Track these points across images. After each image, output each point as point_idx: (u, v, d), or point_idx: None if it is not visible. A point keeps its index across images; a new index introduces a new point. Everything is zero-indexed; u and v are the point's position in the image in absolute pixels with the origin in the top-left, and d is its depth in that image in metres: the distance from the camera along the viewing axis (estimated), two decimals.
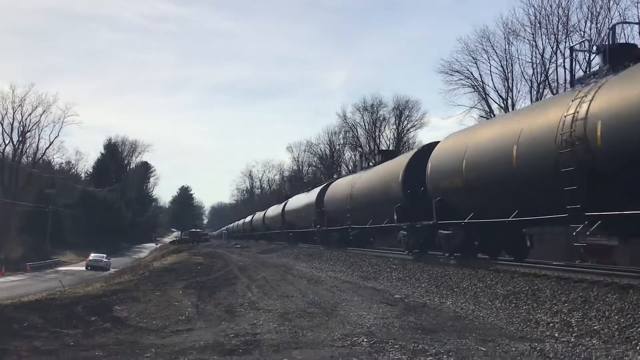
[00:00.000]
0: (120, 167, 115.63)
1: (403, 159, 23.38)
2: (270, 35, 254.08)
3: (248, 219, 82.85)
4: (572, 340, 7.71)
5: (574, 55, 15.62)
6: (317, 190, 38.99)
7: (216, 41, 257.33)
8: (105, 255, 60.39)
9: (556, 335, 8.12)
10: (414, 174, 20.57)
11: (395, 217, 21.51)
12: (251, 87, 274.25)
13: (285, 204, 51.10)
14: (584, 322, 8.54)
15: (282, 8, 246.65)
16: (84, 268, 56.08)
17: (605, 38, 34.22)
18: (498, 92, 42.65)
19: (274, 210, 59.00)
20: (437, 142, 20.06)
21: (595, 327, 8.21)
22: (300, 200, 44.74)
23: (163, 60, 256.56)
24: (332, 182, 37.43)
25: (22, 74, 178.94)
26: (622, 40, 31.54)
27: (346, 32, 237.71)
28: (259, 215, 69.98)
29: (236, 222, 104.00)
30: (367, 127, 70.61)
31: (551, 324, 8.74)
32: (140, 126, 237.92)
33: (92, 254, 59.94)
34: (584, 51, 15.56)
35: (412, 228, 20.43)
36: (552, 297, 10.22)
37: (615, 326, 8.03)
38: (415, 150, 24.60)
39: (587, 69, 14.15)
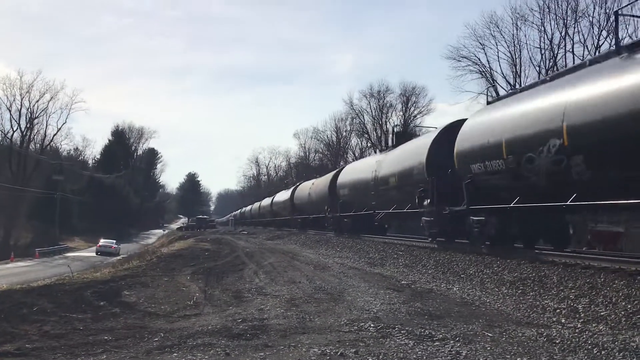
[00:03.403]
0: (127, 153, 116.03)
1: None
2: (276, 20, 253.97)
3: (255, 205, 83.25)
4: (579, 326, 7.72)
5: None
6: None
7: (221, 26, 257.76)
8: (115, 240, 60.82)
9: (563, 321, 8.13)
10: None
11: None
12: (257, 73, 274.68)
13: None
14: (590, 308, 8.54)
15: None
16: (92, 254, 56.56)
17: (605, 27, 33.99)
18: (506, 78, 42.59)
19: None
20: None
21: (602, 313, 8.21)
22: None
23: (168, 46, 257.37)
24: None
25: (28, 60, 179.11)
26: (631, 27, 31.26)
27: (352, 18, 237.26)
28: (266, 201, 70.56)
29: (243, 209, 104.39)
30: (373, 114, 70.42)
31: (558, 310, 8.75)
32: (147, 112, 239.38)
33: (102, 240, 60.45)
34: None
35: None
36: (559, 284, 10.22)
37: (622, 312, 8.03)
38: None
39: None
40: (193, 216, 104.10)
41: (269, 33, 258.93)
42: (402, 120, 67.80)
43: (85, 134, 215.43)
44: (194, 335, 7.37)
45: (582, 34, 37.20)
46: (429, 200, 18.16)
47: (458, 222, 16.69)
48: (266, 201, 67.87)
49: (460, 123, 17.59)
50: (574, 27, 37.50)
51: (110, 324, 8.38)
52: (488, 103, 17.38)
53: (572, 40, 37.72)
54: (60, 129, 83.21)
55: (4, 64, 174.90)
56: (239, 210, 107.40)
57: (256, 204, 78.94)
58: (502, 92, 42.30)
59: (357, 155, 69.12)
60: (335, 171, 36.18)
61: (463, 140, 16.02)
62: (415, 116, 68.28)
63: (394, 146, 25.30)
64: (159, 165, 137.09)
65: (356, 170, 29.40)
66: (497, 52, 43.03)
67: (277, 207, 56.79)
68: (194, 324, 8.24)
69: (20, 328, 7.98)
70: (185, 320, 8.62)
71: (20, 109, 77.07)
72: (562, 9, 38.12)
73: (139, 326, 8.18)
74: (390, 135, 25.04)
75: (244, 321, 8.19)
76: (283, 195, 54.75)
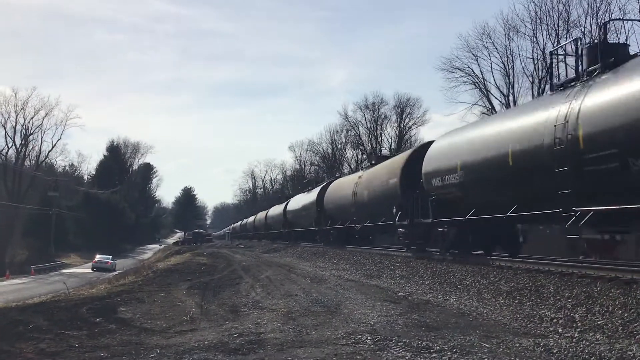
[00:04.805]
0: (123, 168, 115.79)
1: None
2: (269, 34, 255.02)
3: (251, 219, 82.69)
4: (576, 335, 7.72)
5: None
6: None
7: (215, 41, 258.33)
8: (110, 256, 60.55)
9: (560, 330, 8.13)
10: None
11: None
12: (252, 86, 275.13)
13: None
14: (587, 317, 8.54)
15: (281, 7, 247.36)
16: (88, 270, 56.23)
17: (597, 36, 34.27)
18: (499, 89, 42.55)
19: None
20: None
21: (598, 322, 8.21)
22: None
23: (162, 61, 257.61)
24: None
25: (22, 77, 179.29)
26: (623, 36, 31.19)
27: (346, 30, 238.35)
28: (261, 215, 69.43)
29: (239, 222, 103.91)
30: (368, 126, 70.64)
31: (555, 320, 8.75)
32: (142, 127, 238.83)
33: (98, 256, 60.14)
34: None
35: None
36: (555, 293, 10.23)
37: (619, 321, 8.03)
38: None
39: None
40: (189, 230, 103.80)
41: (262, 47, 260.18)
42: (396, 132, 68.09)
43: (81, 149, 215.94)
44: (190, 350, 7.33)
45: None
46: None
47: None
48: (275, 209, 58.26)
49: None
50: (566, 38, 37.63)
51: (106, 341, 8.33)
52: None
53: (565, 50, 37.89)
54: (55, 145, 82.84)
55: None
56: (239, 223, 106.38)
57: (261, 214, 72.02)
58: (496, 103, 42.21)
59: (352, 167, 69.10)
60: (410, 151, 23.79)
61: None
62: (410, 127, 68.55)
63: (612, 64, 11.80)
64: (154, 180, 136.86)
65: (484, 139, 15.46)
66: (490, 63, 43.04)
67: (293, 216, 45.20)
68: (190, 339, 8.21)
69: (15, 346, 7.93)
70: (182, 336, 8.58)
71: (15, 125, 77.00)
72: (553, 20, 38.30)
73: (135, 342, 8.14)
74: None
75: (240, 336, 8.16)
76: (301, 200, 43.00)
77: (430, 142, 20.47)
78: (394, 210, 21.63)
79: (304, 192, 45.69)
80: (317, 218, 35.64)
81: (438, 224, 18.17)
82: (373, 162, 30.37)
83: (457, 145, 17.28)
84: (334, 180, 36.97)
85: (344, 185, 31.32)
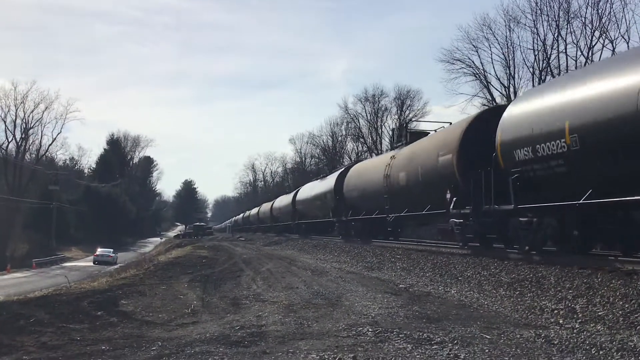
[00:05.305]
0: (123, 162, 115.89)
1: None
2: (269, 26, 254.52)
3: (254, 210, 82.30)
4: (577, 326, 7.73)
5: None
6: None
7: (214, 33, 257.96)
8: (112, 249, 60.63)
9: (561, 321, 8.14)
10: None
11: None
12: (251, 79, 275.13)
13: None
14: (588, 309, 8.55)
15: None
16: (89, 263, 56.37)
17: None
18: (500, 80, 42.55)
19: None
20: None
21: (599, 313, 8.22)
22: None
23: (162, 53, 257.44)
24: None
25: (21, 70, 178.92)
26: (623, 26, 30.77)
27: (346, 22, 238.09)
28: (266, 206, 68.64)
29: (241, 215, 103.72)
30: (369, 118, 70.56)
31: (555, 311, 8.76)
32: (142, 121, 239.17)
33: (100, 249, 60.25)
34: None
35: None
36: (556, 284, 10.23)
37: (620, 312, 8.04)
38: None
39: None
40: (190, 224, 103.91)
41: (262, 39, 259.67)
42: (397, 124, 67.97)
43: (81, 143, 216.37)
44: (192, 343, 7.35)
45: (575, 35, 37.19)
46: None
47: None
48: (283, 200, 53.72)
49: None
50: (567, 28, 37.56)
51: (108, 334, 8.34)
52: None
53: (565, 41, 37.75)
54: (55, 138, 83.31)
55: None
56: (240, 215, 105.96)
57: (265, 205, 68.20)
58: (496, 94, 42.13)
59: (352, 159, 69.02)
60: (470, 118, 17.86)
61: None
62: (410, 119, 68.41)
63: None
64: (155, 173, 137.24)
65: (620, 88, 10.36)
66: (491, 54, 43.03)
67: (304, 206, 40.76)
68: (192, 332, 8.23)
69: (17, 340, 7.94)
70: (183, 329, 8.60)
71: (15, 119, 77.25)
72: (554, 11, 38.22)
73: (136, 335, 8.15)
74: None
75: (242, 328, 8.18)
76: (315, 188, 37.85)
77: (501, 106, 16.38)
78: (448, 196, 17.02)
79: (317, 179, 41.18)
80: (334, 208, 31.17)
81: (522, 211, 13.65)
82: (404, 141, 24.01)
83: (562, 101, 12.16)
84: (355, 164, 32.64)
85: (371, 169, 26.32)
